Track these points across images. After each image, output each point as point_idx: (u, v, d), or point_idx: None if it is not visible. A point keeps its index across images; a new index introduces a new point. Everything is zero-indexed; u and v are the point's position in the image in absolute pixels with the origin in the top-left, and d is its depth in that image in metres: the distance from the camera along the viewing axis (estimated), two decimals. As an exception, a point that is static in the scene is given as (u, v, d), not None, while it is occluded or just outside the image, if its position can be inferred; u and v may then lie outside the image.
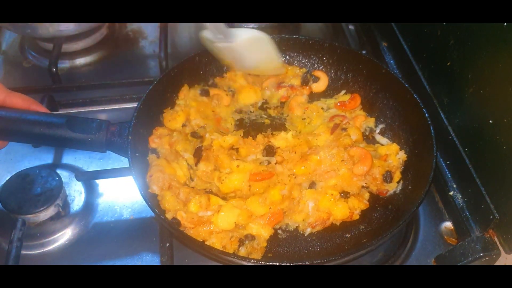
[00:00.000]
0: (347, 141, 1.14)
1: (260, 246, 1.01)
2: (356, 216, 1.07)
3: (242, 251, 1.00)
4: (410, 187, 1.11)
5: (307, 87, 1.32)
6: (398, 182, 1.12)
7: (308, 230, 1.06)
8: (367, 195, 1.11)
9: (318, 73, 1.34)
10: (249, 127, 1.26)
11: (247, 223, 1.03)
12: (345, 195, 1.08)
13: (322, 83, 1.33)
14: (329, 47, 1.32)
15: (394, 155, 1.16)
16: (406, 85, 1.18)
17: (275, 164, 1.11)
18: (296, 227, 1.07)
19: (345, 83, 1.32)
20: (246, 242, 1.01)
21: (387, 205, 1.10)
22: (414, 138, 1.17)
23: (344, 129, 1.18)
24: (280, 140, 1.15)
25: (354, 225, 1.07)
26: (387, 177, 1.11)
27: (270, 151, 1.13)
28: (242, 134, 1.21)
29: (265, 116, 1.29)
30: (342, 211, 1.06)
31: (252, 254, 1.00)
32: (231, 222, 1.01)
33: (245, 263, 0.94)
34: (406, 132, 1.20)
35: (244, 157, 1.13)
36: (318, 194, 1.07)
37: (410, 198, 1.07)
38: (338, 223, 1.07)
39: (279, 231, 1.06)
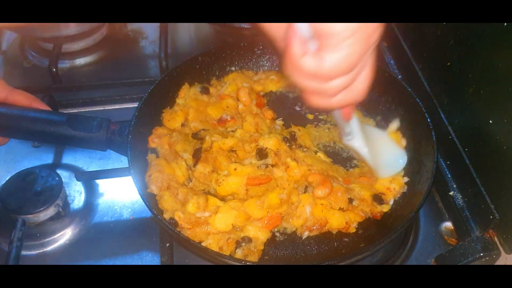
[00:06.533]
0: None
1: (257, 248, 1.00)
2: (352, 229, 1.05)
3: (239, 253, 0.99)
4: (409, 192, 1.10)
5: None
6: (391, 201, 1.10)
7: (306, 234, 1.05)
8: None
9: None
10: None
11: (244, 225, 1.02)
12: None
13: None
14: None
15: (390, 188, 1.11)
16: (409, 89, 1.17)
17: (272, 167, 1.09)
18: (294, 230, 1.06)
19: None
20: (243, 244, 1.00)
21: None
22: (415, 143, 1.16)
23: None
24: (267, 141, 1.12)
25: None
26: (377, 199, 1.07)
27: (261, 153, 1.10)
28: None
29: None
30: (338, 220, 1.04)
31: (249, 256, 0.99)
32: (228, 223, 1.01)
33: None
34: (408, 136, 1.19)
35: (242, 160, 1.12)
36: (313, 200, 1.06)
37: (409, 203, 1.07)
38: (334, 232, 1.06)
39: (277, 234, 1.06)
